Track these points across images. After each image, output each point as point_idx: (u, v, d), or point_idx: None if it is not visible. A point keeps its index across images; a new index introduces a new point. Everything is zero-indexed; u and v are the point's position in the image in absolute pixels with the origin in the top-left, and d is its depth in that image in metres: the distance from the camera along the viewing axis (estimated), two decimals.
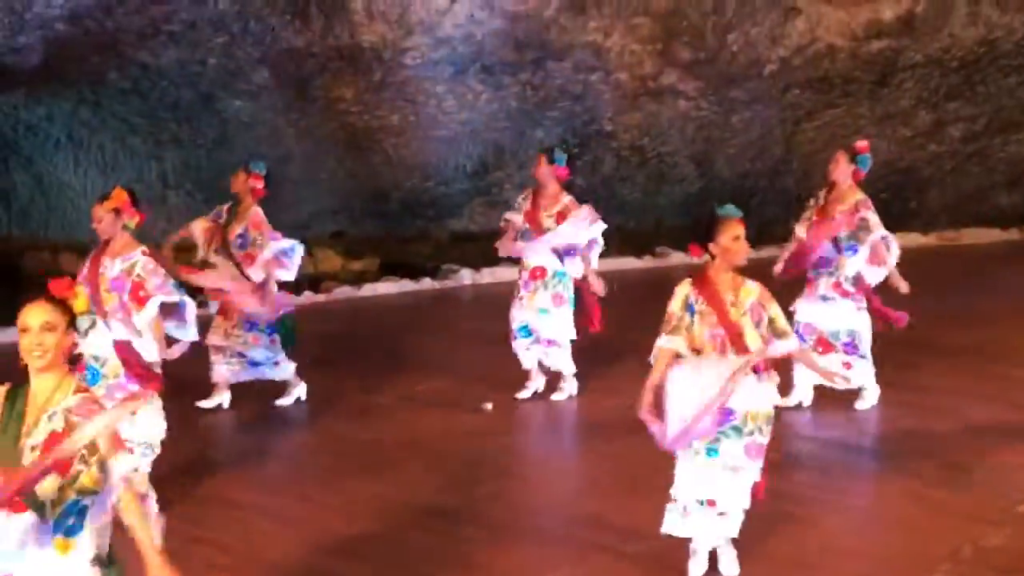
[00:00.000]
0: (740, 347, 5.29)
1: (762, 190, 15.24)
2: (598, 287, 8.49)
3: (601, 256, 8.75)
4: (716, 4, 14.24)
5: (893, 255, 8.22)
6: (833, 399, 8.30)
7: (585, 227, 8.44)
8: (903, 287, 8.14)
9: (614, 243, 14.63)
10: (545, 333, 8.60)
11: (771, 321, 5.38)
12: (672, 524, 5.58)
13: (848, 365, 8.08)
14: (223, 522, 6.63)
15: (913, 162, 15.63)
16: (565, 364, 8.75)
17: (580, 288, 8.57)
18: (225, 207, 8.78)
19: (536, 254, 8.51)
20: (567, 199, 8.54)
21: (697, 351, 5.35)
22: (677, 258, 14.17)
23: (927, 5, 14.58)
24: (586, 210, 8.50)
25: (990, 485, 6.85)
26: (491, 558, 6.10)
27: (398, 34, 13.67)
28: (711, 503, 5.48)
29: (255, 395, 9.01)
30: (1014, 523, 6.28)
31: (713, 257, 5.36)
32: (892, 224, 15.27)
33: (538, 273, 8.54)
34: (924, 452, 7.42)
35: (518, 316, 8.62)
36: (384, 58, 13.91)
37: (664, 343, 5.34)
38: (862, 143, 8.39)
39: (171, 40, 13.43)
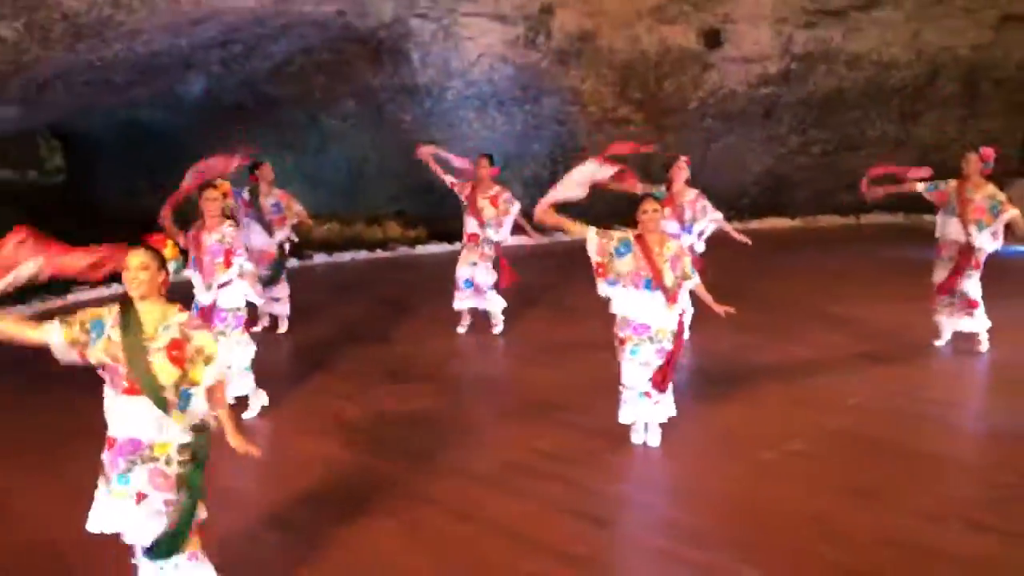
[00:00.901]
0: (659, 282, 5.42)
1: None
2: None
3: None
4: (657, 61, 14.15)
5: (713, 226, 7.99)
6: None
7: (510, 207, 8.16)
8: (746, 239, 7.94)
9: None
10: (479, 280, 8.25)
11: (683, 268, 5.51)
12: (623, 414, 5.69)
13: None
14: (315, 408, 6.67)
15: (786, 170, 15.59)
16: (496, 305, 8.41)
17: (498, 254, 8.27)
18: (248, 189, 8.48)
19: (471, 226, 8.23)
20: (497, 188, 8.24)
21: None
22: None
23: (799, 64, 14.49)
24: (509, 193, 8.24)
25: (831, 387, 6.85)
26: (493, 430, 6.17)
27: (442, 77, 13.62)
28: (647, 394, 5.56)
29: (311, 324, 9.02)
30: (847, 413, 6.32)
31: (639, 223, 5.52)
32: (770, 211, 15.47)
33: (472, 238, 8.25)
34: (789, 367, 7.40)
35: (462, 273, 8.28)
36: (432, 94, 13.86)
37: (591, 232, 5.58)
38: (684, 158, 8.24)
39: (289, 78, 13.41)
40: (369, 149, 15.01)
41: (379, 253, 13.31)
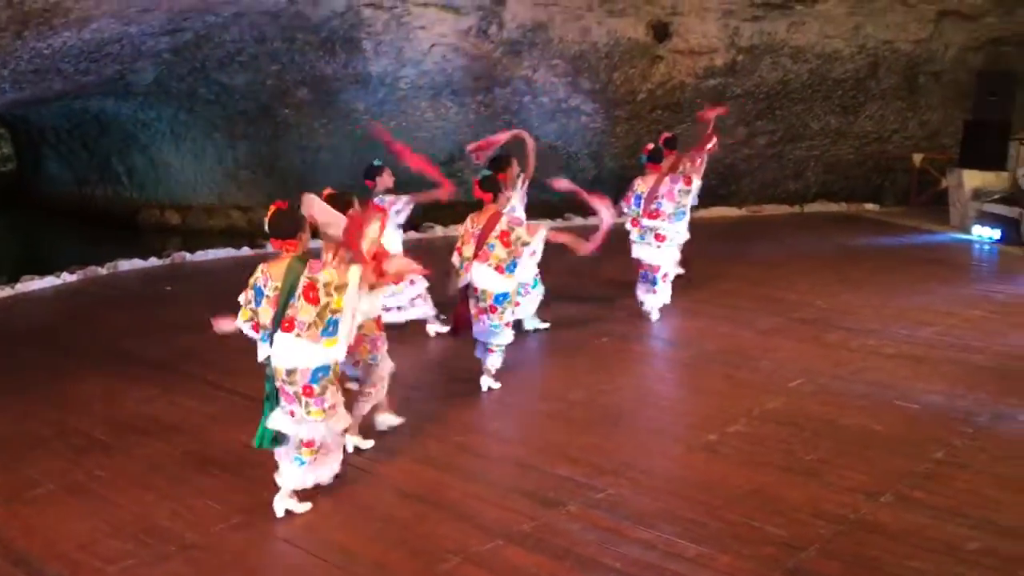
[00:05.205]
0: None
1: (634, 177, 15.41)
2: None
3: (529, 217, 8.04)
4: (607, 52, 14.22)
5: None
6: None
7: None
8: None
9: (538, 212, 14.69)
10: None
11: (518, 238, 6.15)
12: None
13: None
14: None
15: (733, 160, 15.75)
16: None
17: None
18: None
19: None
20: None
21: None
22: (578, 221, 14.23)
23: (745, 56, 14.66)
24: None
25: (771, 370, 6.96)
26: (444, 415, 6.15)
27: (395, 67, 13.57)
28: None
29: None
30: (787, 394, 6.42)
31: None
32: (718, 200, 15.69)
33: None
34: (731, 348, 7.54)
35: None
36: (386, 83, 13.81)
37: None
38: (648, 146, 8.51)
39: (241, 67, 13.25)
40: (322, 139, 14.90)
41: None
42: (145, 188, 16.88)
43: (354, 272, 4.44)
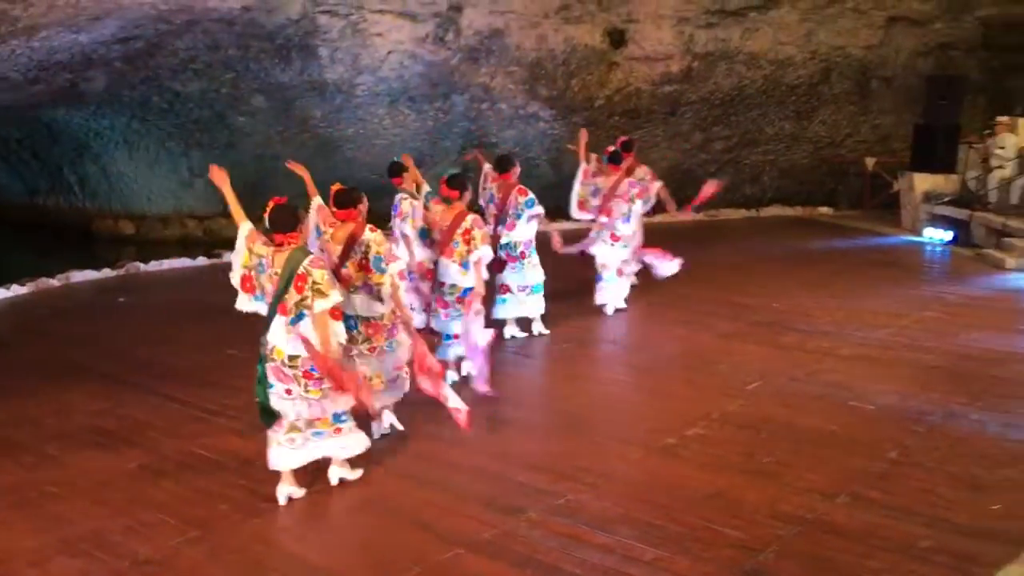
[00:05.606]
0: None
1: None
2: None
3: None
4: (564, 59, 14.29)
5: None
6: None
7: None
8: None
9: None
10: None
11: (473, 239, 6.31)
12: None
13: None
14: None
15: (690, 165, 15.93)
16: None
17: None
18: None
19: None
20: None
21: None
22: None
23: (700, 63, 14.80)
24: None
25: (729, 373, 7.02)
26: (403, 423, 6.13)
27: (352, 74, 13.51)
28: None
29: None
30: (745, 396, 6.46)
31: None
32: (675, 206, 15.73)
33: None
34: (689, 351, 7.61)
35: None
36: (343, 90, 13.74)
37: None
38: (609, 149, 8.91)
39: (195, 75, 13.11)
40: (279, 147, 14.77)
41: None
42: (98, 197, 16.62)
43: (334, 296, 4.59)
